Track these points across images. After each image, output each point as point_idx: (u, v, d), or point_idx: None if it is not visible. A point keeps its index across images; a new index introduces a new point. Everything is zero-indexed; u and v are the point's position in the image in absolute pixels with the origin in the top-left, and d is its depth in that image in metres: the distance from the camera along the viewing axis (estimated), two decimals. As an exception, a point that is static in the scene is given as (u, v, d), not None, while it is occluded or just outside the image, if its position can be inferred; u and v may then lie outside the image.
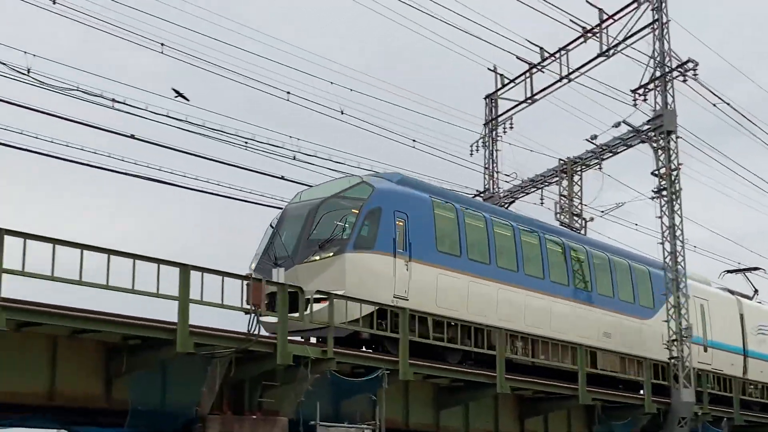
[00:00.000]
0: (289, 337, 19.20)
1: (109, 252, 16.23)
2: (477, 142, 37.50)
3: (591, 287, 29.25)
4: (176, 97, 25.52)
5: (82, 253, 15.77)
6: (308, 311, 20.21)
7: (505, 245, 26.54)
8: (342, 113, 29.32)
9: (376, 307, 21.78)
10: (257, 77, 27.30)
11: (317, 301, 20.82)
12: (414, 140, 32.26)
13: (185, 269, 17.23)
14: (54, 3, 23.47)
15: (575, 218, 35.89)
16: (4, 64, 22.56)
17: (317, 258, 22.46)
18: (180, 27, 25.84)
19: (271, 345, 18.67)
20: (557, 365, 25.80)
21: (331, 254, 22.40)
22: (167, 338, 16.93)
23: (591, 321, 28.65)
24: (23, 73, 22.86)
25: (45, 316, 15.57)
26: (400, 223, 23.68)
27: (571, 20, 32.62)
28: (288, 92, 27.83)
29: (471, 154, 37.11)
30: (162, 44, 25.30)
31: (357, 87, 29.86)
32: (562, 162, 35.86)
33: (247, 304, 18.50)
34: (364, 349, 22.58)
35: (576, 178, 35.96)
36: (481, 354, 23.78)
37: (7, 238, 14.88)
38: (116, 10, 24.59)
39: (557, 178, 36.14)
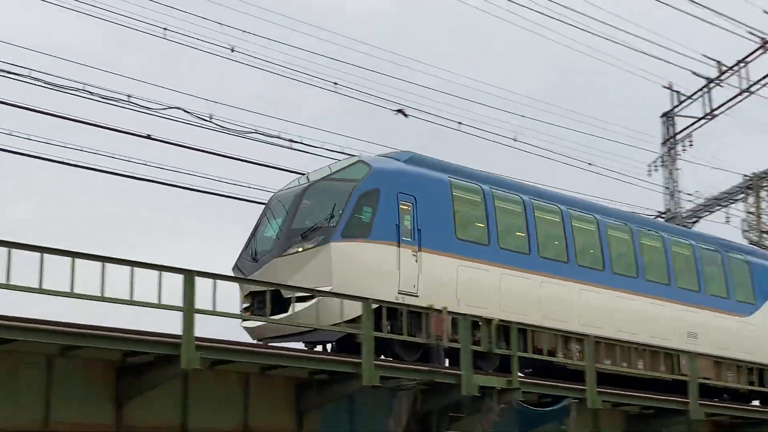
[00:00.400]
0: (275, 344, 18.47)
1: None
2: (655, 161, 36.63)
3: (669, 279, 25.29)
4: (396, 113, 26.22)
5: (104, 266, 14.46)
6: (290, 312, 18.38)
7: (550, 232, 23.09)
8: (515, 140, 29.19)
9: (374, 305, 17.79)
10: (429, 109, 27.55)
11: (300, 300, 18.50)
12: (590, 163, 31.77)
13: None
14: (232, 51, 24.40)
15: (764, 235, 34.45)
16: (188, 112, 23.60)
17: (299, 249, 19.47)
18: (351, 65, 26.39)
19: (455, 376, 18.63)
20: (666, 376, 22.90)
21: (315, 245, 19.35)
22: (353, 372, 17.14)
23: (670, 319, 24.75)
24: (206, 120, 23.88)
25: (235, 353, 16.03)
26: (406, 208, 20.23)
27: (749, 32, 31.52)
28: (459, 122, 27.99)
29: (649, 174, 36.26)
30: (335, 83, 25.89)
31: (529, 113, 29.72)
32: (747, 177, 34.56)
33: (428, 335, 18.53)
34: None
35: (763, 193, 34.55)
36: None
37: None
38: (291, 54, 25.35)
39: (743, 195, 34.84)
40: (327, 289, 18.53)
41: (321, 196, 20.23)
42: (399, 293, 19.52)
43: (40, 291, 13.72)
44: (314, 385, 17.73)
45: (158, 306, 14.81)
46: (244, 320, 19.42)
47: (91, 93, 22.60)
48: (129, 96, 23.06)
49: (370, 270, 19.41)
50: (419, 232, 20.18)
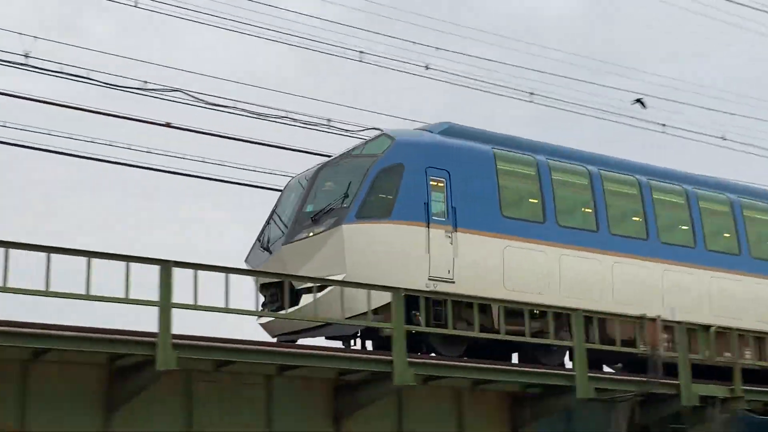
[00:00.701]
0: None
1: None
2: None
3: (741, 249, 21.62)
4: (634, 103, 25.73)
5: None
6: (299, 305, 16.64)
7: (625, 206, 20.41)
8: (724, 139, 28.11)
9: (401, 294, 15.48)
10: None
11: (308, 291, 16.57)
12: (799, 161, 30.06)
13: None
14: (426, 69, 24.59)
15: None
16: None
17: (310, 234, 17.31)
18: (546, 74, 26.11)
19: (674, 386, 18.01)
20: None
21: (326, 228, 17.17)
22: (566, 385, 16.83)
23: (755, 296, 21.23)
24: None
25: (447, 369, 16.08)
26: (438, 184, 17.82)
27: None
28: (663, 124, 27.24)
29: None
30: (531, 93, 25.66)
31: (737, 110, 28.58)
32: None
33: (643, 344, 18.00)
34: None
35: None
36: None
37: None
38: (480, 66, 25.29)
39: None
40: (340, 277, 16.53)
41: (337, 175, 18.05)
42: (430, 279, 17.18)
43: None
44: (528, 399, 17.55)
45: (128, 301, 13.14)
46: (257, 316, 17.20)
47: (293, 119, 23.24)
48: (329, 120, 23.56)
49: (391, 254, 17.13)
50: (454, 210, 17.80)
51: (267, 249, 17.95)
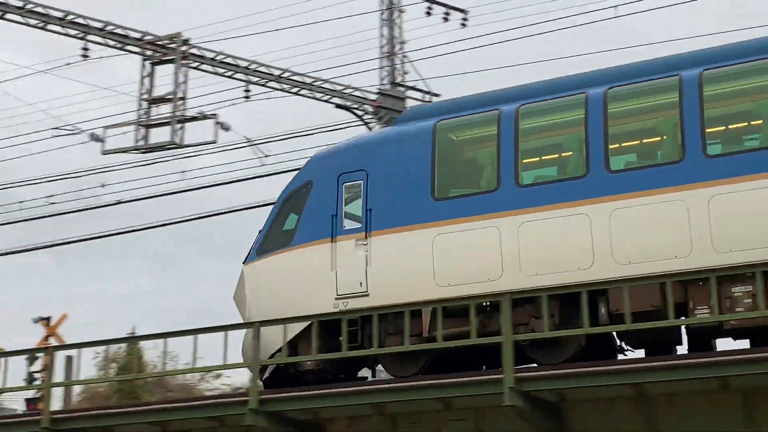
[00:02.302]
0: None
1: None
2: None
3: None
4: None
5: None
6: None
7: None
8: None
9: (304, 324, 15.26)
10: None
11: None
12: None
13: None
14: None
15: None
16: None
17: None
18: None
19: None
20: None
21: (242, 269, 16.85)
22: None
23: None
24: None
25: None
26: (353, 189, 16.26)
27: None
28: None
29: None
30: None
31: None
32: None
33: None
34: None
35: None
36: None
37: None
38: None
39: None
40: (245, 318, 16.35)
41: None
42: (337, 299, 15.65)
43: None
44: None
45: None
46: None
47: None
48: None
49: (294, 282, 16.06)
50: (369, 212, 15.93)
51: None
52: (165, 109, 24.32)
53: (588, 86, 15.20)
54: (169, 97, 24.52)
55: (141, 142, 23.91)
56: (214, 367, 17.78)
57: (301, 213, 16.58)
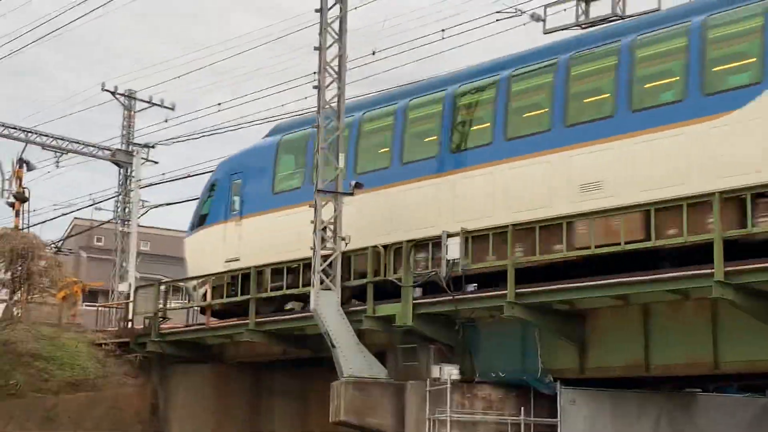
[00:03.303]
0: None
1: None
2: None
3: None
4: None
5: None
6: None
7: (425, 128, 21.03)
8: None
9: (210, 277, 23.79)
10: None
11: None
12: None
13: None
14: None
15: None
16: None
17: None
18: None
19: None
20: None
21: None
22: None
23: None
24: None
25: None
26: (237, 186, 23.97)
27: None
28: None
29: None
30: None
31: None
32: None
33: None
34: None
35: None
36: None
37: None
38: None
39: None
40: (187, 273, 25.63)
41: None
42: (226, 262, 23.52)
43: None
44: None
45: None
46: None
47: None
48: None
49: (206, 250, 24.35)
50: (242, 202, 23.85)
51: None
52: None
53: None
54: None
55: (582, 18, 22.95)
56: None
57: (211, 201, 24.92)
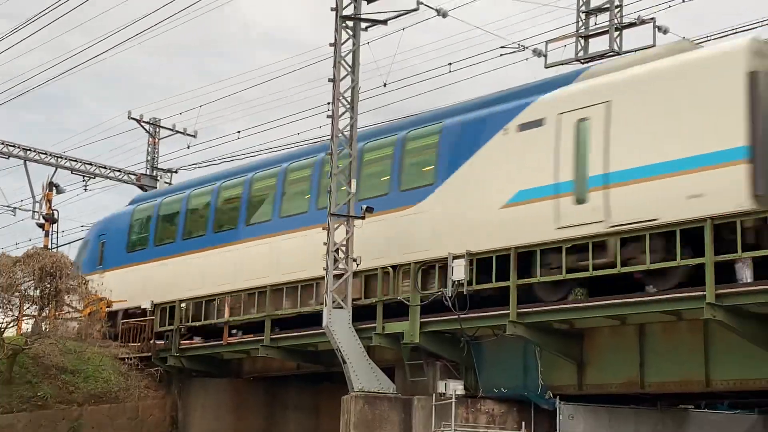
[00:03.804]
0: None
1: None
2: None
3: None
4: None
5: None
6: None
7: (200, 212, 28.12)
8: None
9: None
10: None
11: None
12: None
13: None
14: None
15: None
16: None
17: None
18: None
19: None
20: None
21: None
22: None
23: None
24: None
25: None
26: (102, 243, 30.93)
27: None
28: None
29: None
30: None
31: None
32: None
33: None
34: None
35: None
36: None
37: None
38: None
39: None
40: None
41: None
42: None
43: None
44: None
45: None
46: None
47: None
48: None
49: None
50: (105, 258, 30.51)
51: None
52: (602, 19, 24.65)
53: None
54: (606, 6, 24.57)
55: (581, 53, 24.34)
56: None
57: (85, 256, 31.69)
